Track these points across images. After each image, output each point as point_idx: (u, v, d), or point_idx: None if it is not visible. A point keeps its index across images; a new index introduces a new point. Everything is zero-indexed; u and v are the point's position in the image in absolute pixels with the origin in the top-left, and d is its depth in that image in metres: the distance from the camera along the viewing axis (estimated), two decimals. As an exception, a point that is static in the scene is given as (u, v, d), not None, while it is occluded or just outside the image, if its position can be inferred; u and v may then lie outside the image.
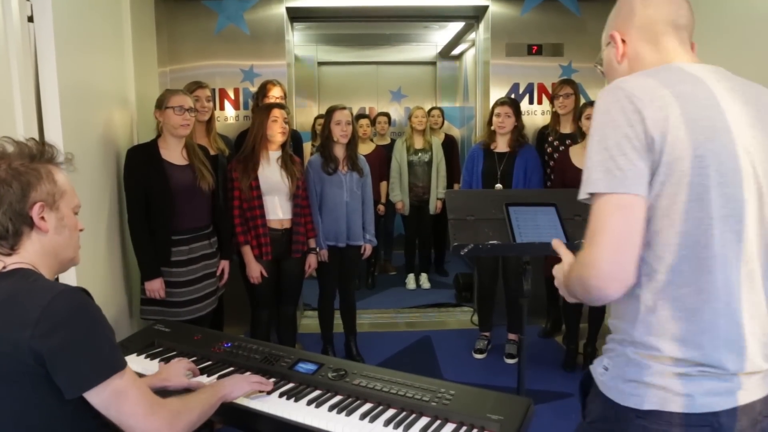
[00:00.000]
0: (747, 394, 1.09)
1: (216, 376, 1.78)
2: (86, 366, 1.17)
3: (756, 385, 1.11)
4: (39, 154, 1.28)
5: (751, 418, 1.10)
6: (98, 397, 1.19)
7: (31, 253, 1.26)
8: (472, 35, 5.54)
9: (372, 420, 1.52)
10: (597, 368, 1.20)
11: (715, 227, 1.05)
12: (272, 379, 1.73)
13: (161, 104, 2.72)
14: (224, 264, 2.97)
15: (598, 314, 3.49)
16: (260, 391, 1.65)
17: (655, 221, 1.06)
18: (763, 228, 1.10)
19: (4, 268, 1.24)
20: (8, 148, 1.26)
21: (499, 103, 3.65)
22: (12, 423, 1.18)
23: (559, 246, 1.29)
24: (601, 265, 1.03)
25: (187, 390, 1.65)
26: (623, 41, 1.25)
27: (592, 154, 1.07)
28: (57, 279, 1.46)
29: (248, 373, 1.74)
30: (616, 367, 1.14)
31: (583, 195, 1.08)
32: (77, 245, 1.37)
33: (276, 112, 3.12)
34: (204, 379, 1.76)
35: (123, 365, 1.22)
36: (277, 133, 3.11)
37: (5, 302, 1.18)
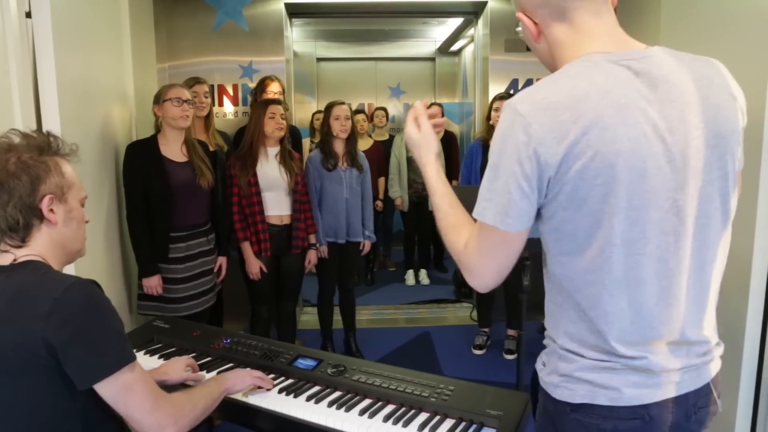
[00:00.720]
0: (680, 385, 1.09)
1: (215, 372, 1.79)
2: (97, 357, 1.19)
3: (691, 375, 1.10)
4: (46, 146, 1.29)
5: (685, 410, 1.10)
6: (108, 389, 1.20)
7: (40, 246, 1.27)
8: (471, 31, 5.53)
9: (371, 416, 1.52)
10: (537, 364, 1.22)
11: (617, 252, 1.03)
12: (271, 375, 1.73)
13: (159, 99, 2.72)
14: (222, 260, 2.97)
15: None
16: (259, 387, 1.65)
17: (563, 243, 1.07)
18: (682, 242, 1.05)
19: (15, 260, 1.24)
20: (15, 140, 1.27)
21: (498, 97, 3.66)
22: (24, 414, 1.20)
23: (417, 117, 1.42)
24: (486, 279, 1.11)
25: (185, 385, 1.65)
26: (534, 23, 1.12)
27: (485, 177, 1.06)
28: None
29: (248, 369, 1.74)
30: (550, 363, 1.16)
31: (475, 215, 1.09)
32: (84, 237, 1.38)
33: (273, 108, 3.12)
34: (204, 375, 1.77)
35: (133, 358, 1.24)
36: (274, 129, 3.10)
37: (17, 294, 1.19)
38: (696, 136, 1.03)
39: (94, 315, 1.19)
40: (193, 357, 1.84)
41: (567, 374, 1.11)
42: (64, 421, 1.22)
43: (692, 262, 1.07)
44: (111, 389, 1.20)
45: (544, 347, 1.21)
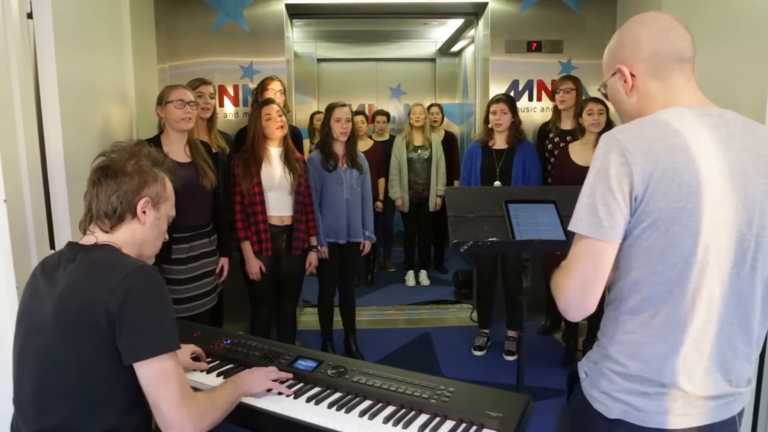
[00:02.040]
0: (705, 416, 1.19)
1: (215, 373, 1.79)
2: (148, 336, 1.29)
3: (715, 408, 1.20)
4: (162, 162, 1.53)
5: None
6: (148, 370, 1.29)
7: (122, 237, 1.43)
8: (471, 32, 5.53)
9: (371, 417, 1.52)
10: (581, 369, 1.35)
11: (690, 271, 1.15)
12: (290, 381, 1.70)
13: (162, 100, 2.72)
14: (223, 261, 2.97)
15: (597, 311, 3.48)
16: (269, 390, 1.64)
17: (636, 258, 1.18)
18: (744, 272, 1.17)
19: (96, 242, 1.40)
20: (141, 149, 1.50)
21: (494, 100, 3.64)
22: (70, 374, 1.30)
23: None
24: (568, 296, 1.22)
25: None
26: (632, 75, 1.26)
27: (582, 195, 1.20)
28: None
29: (263, 369, 1.70)
30: (592, 377, 1.29)
31: (570, 227, 1.21)
32: (158, 248, 1.55)
33: (266, 110, 3.11)
34: (203, 376, 1.77)
35: (178, 346, 1.34)
36: (273, 130, 3.10)
37: (92, 265, 1.34)
38: (764, 183, 1.17)
39: (154, 297, 1.32)
40: (192, 358, 1.84)
41: (605, 392, 1.25)
42: (105, 391, 1.31)
43: (745, 296, 1.19)
44: (150, 372, 1.29)
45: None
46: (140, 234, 1.46)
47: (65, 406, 1.30)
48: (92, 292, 1.29)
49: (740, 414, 1.25)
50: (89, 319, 1.27)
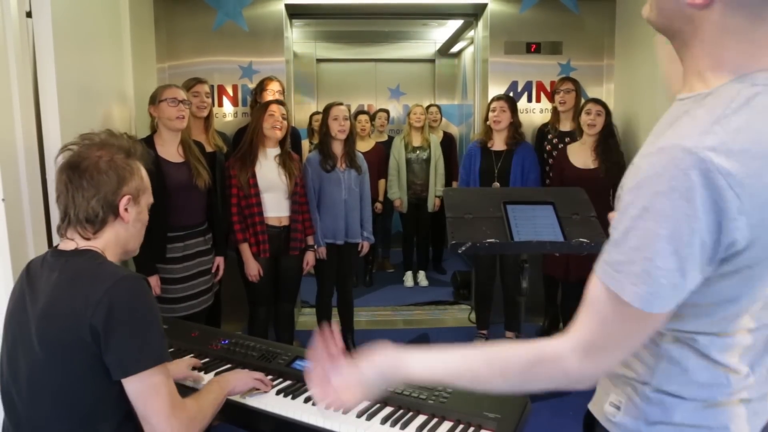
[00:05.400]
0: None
1: (213, 373, 1.78)
2: (136, 350, 1.24)
3: None
4: (133, 151, 1.40)
5: None
6: (137, 385, 1.24)
7: (105, 240, 1.35)
8: (471, 33, 5.53)
9: (369, 418, 1.52)
10: (603, 406, 1.00)
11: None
12: (269, 377, 1.73)
13: (155, 99, 2.72)
14: (219, 260, 2.97)
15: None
16: (256, 389, 1.65)
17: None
18: None
19: (76, 248, 1.33)
20: (105, 139, 1.38)
21: (495, 98, 3.67)
22: (61, 391, 1.26)
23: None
24: (587, 381, 0.86)
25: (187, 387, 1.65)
26: None
27: (628, 235, 0.79)
28: None
29: (246, 370, 1.74)
30: (632, 406, 0.95)
31: (599, 273, 0.83)
32: (142, 238, 1.48)
33: (273, 107, 3.12)
34: (202, 375, 1.77)
35: (168, 358, 1.30)
36: (271, 126, 3.10)
37: (73, 278, 1.27)
38: None
39: (140, 310, 1.26)
40: (191, 357, 1.84)
41: (662, 421, 0.92)
42: (97, 405, 1.27)
43: None
44: (139, 386, 1.25)
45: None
46: (124, 233, 1.39)
47: (57, 422, 1.27)
48: (73, 307, 1.23)
49: None
50: (73, 336, 1.22)
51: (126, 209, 1.36)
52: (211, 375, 1.77)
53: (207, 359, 1.89)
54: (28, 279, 1.36)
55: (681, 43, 0.86)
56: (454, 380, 1.00)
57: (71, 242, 1.34)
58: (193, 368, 1.79)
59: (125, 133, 1.45)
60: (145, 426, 1.28)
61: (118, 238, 1.38)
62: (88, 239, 1.34)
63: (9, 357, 1.34)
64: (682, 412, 0.91)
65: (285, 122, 3.14)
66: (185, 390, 1.61)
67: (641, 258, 0.77)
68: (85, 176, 1.31)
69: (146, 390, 1.25)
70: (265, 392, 1.66)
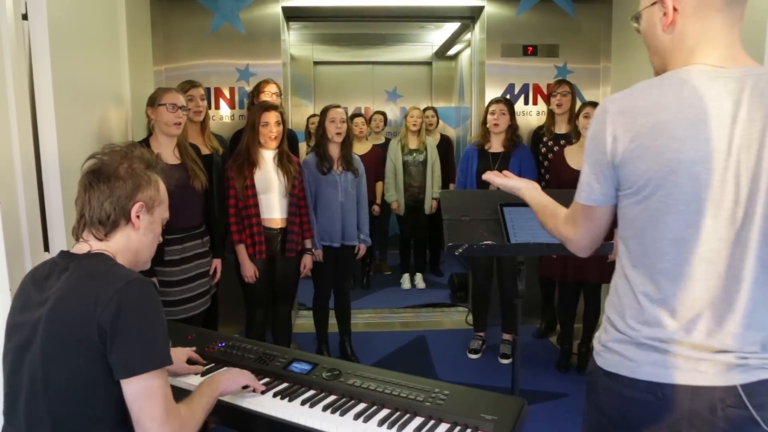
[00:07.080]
0: (701, 376, 1.14)
1: (209, 376, 1.78)
2: (139, 352, 1.26)
3: (716, 371, 1.14)
4: (154, 164, 1.48)
5: (709, 402, 1.14)
6: (135, 386, 1.26)
7: (117, 244, 1.40)
8: (467, 36, 5.54)
9: (366, 420, 1.52)
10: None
11: (667, 245, 1.15)
12: (266, 379, 1.72)
13: (154, 102, 2.71)
14: (216, 263, 2.96)
15: (592, 314, 3.50)
16: (245, 387, 1.64)
17: (624, 229, 1.24)
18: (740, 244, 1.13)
19: (90, 251, 1.37)
20: (132, 151, 1.46)
21: (494, 101, 3.67)
22: (65, 386, 1.28)
23: (492, 177, 1.81)
24: (576, 246, 1.37)
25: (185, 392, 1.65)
26: (675, 9, 1.15)
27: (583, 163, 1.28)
28: None
29: (237, 369, 1.72)
30: (598, 334, 1.33)
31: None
32: (153, 252, 1.52)
33: (266, 117, 3.09)
34: (197, 379, 1.76)
35: (169, 362, 1.32)
36: (267, 138, 3.09)
37: (85, 277, 1.31)
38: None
39: (147, 312, 1.29)
40: (186, 362, 1.84)
41: (603, 344, 1.28)
42: (98, 404, 1.29)
43: (756, 272, 1.13)
44: (138, 387, 1.26)
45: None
46: (135, 240, 1.42)
47: (57, 420, 1.28)
48: (84, 305, 1.26)
49: (747, 389, 1.14)
50: (80, 333, 1.25)
51: (138, 216, 1.40)
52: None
53: (204, 362, 1.88)
54: (34, 283, 1.38)
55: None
56: (537, 212, 1.58)
57: (85, 245, 1.38)
58: (188, 360, 1.80)
59: (149, 149, 1.51)
60: (138, 429, 1.28)
61: (129, 244, 1.42)
62: (101, 240, 1.38)
63: (12, 364, 1.35)
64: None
65: (280, 128, 3.13)
66: (176, 391, 1.60)
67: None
68: (103, 180, 1.37)
69: (144, 392, 1.26)
70: (262, 392, 1.65)
